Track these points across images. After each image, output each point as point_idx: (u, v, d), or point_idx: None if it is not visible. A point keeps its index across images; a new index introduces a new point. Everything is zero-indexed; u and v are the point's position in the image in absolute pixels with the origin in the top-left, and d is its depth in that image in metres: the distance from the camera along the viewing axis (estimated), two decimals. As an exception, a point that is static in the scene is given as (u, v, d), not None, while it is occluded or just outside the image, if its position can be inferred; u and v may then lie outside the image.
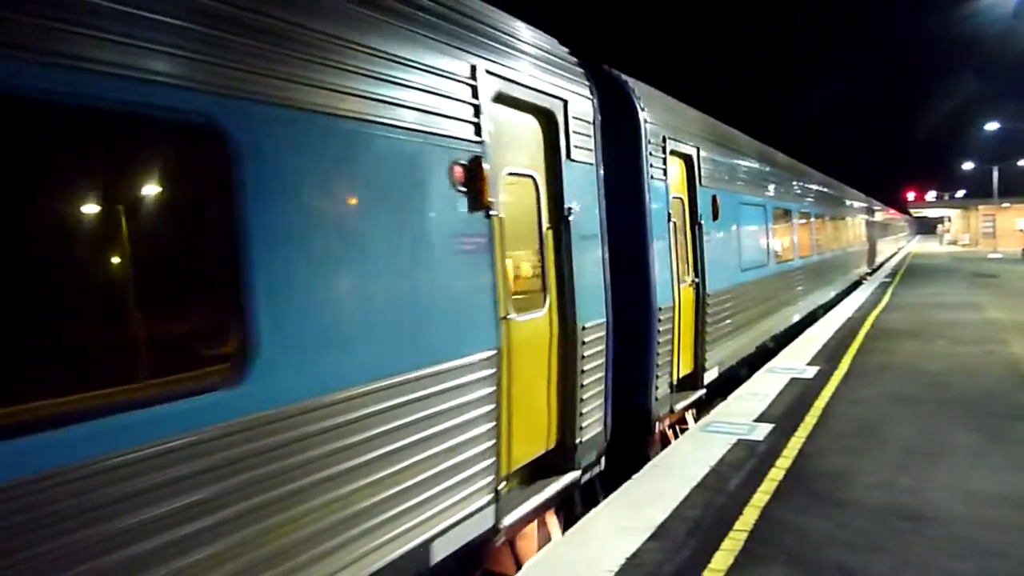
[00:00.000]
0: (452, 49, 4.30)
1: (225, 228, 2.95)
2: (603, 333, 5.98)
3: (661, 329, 7.39)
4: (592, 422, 5.86)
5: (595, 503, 5.85)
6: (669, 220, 7.78)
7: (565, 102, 5.59)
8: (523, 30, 5.30)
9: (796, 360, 11.56)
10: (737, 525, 5.16)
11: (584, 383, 5.68)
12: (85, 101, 2.50)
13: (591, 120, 6.05)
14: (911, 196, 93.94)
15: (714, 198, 9.33)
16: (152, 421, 2.61)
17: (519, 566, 5.06)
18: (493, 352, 4.50)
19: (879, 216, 42.04)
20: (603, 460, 6.17)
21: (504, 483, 4.71)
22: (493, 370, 4.49)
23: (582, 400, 5.65)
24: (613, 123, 6.70)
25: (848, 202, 26.71)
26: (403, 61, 3.87)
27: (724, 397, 9.23)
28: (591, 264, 5.89)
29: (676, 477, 6.17)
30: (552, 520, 5.63)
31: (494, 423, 4.51)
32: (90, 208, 2.77)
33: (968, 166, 77.83)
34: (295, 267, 3.19)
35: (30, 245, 2.59)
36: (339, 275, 3.45)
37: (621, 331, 6.31)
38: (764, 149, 13.81)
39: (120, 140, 2.77)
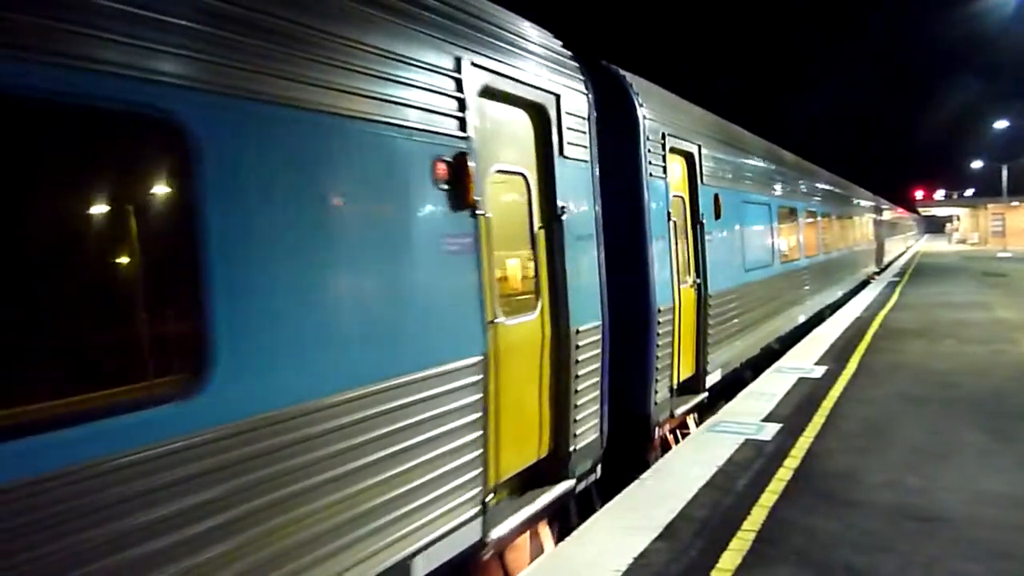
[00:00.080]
0: (434, 40, 4.11)
1: (183, 227, 2.79)
2: (599, 336, 5.79)
3: (660, 331, 7.23)
4: (587, 429, 5.66)
5: (591, 512, 5.65)
6: (669, 219, 7.64)
7: (558, 97, 5.38)
8: (513, 22, 5.09)
9: (804, 360, 11.53)
10: (745, 525, 5.15)
11: (578, 389, 5.48)
12: (24, 92, 2.32)
13: (586, 116, 5.84)
14: (919, 195, 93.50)
15: (716, 197, 9.17)
16: (97, 436, 2.42)
17: None
18: (479, 358, 4.30)
19: (887, 215, 41.87)
20: (599, 468, 5.97)
21: (492, 495, 4.52)
22: (479, 377, 4.29)
23: (576, 406, 5.45)
24: (610, 119, 6.56)
25: (855, 201, 26.60)
26: (379, 52, 3.69)
27: (727, 401, 9.07)
28: (586, 265, 5.70)
29: (683, 477, 6.17)
30: (545, 531, 5.46)
31: (480, 432, 4.32)
32: (32, 207, 2.57)
33: (977, 164, 77.57)
34: (260, 269, 3.03)
35: None
36: (309, 278, 3.27)
37: (619, 334, 6.15)
38: (769, 147, 13.71)
39: (66, 135, 2.59)
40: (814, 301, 16.17)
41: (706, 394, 8.71)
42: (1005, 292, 21.21)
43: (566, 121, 5.45)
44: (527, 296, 5.17)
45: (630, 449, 7.10)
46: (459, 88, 4.27)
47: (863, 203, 28.96)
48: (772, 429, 7.56)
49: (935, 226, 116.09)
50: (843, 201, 22.82)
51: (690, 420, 8.56)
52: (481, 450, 4.32)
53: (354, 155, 3.53)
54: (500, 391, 4.58)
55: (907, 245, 62.75)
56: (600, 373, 5.83)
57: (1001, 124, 60.09)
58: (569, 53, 5.84)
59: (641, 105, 7.21)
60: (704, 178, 8.85)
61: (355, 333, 3.50)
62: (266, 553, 2.99)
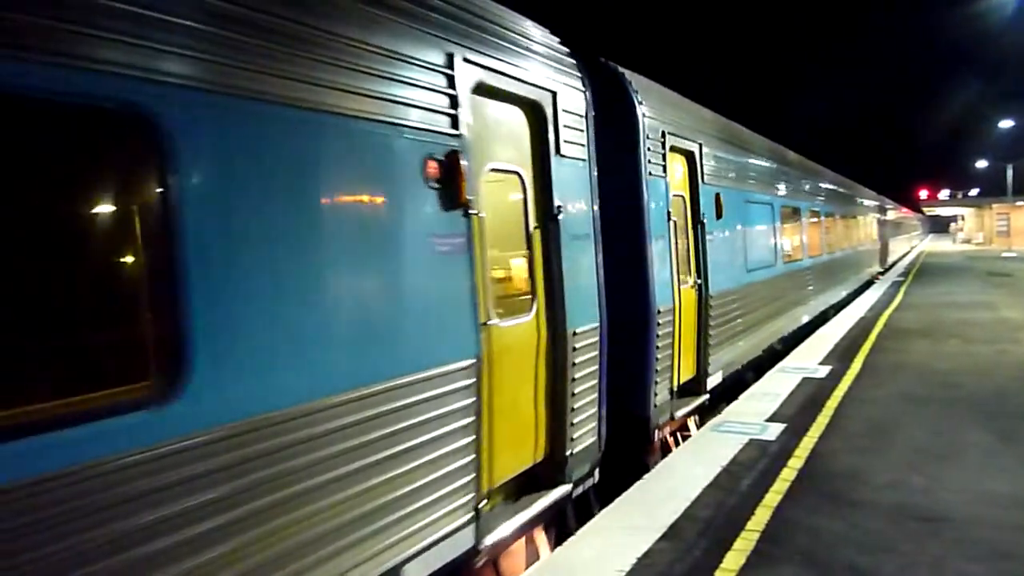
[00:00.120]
0: (425, 35, 4.01)
1: (156, 227, 2.68)
2: (596, 338, 5.68)
3: (660, 333, 7.13)
4: (585, 432, 5.56)
5: (589, 517, 5.55)
6: (669, 219, 7.54)
7: (554, 94, 5.26)
8: (508, 17, 4.97)
9: (808, 359, 11.52)
10: (749, 525, 5.16)
11: (575, 391, 5.37)
12: None
13: (583, 113, 5.72)
14: (924, 194, 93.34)
15: (717, 196, 9.04)
16: (64, 444, 2.31)
17: None
18: (472, 361, 4.20)
19: (891, 215, 41.80)
20: (597, 472, 5.88)
21: (485, 500, 4.43)
22: (472, 380, 4.19)
23: (573, 409, 5.36)
24: (609, 117, 6.48)
25: (859, 200, 26.55)
26: (368, 47, 3.59)
27: (729, 403, 8.99)
28: (583, 265, 5.59)
29: (687, 477, 6.17)
30: (541, 537, 5.37)
31: (473, 437, 4.22)
32: None
33: (982, 164, 77.38)
34: (241, 271, 2.92)
35: None
36: (292, 279, 3.16)
37: (617, 335, 6.06)
38: (772, 146, 13.64)
39: (28, 130, 2.48)
40: (817, 302, 16.14)
41: (707, 396, 8.63)
42: (1010, 292, 21.16)
43: (563, 119, 5.35)
44: (522, 297, 5.07)
45: (630, 452, 7.02)
46: (451, 85, 4.17)
47: (867, 203, 28.91)
48: (776, 429, 7.56)
49: (939, 226, 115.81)
50: (847, 201, 22.78)
51: (691, 422, 8.49)
52: (474, 455, 4.23)
53: (339, 153, 3.43)
54: (494, 394, 4.48)
55: (911, 245, 62.60)
56: (598, 375, 5.73)
57: (1006, 124, 60.04)
58: (566, 50, 5.74)
59: (640, 103, 7.12)
60: (705, 177, 8.75)
61: (342, 336, 3.40)
62: (250, 563, 2.89)
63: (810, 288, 15.34)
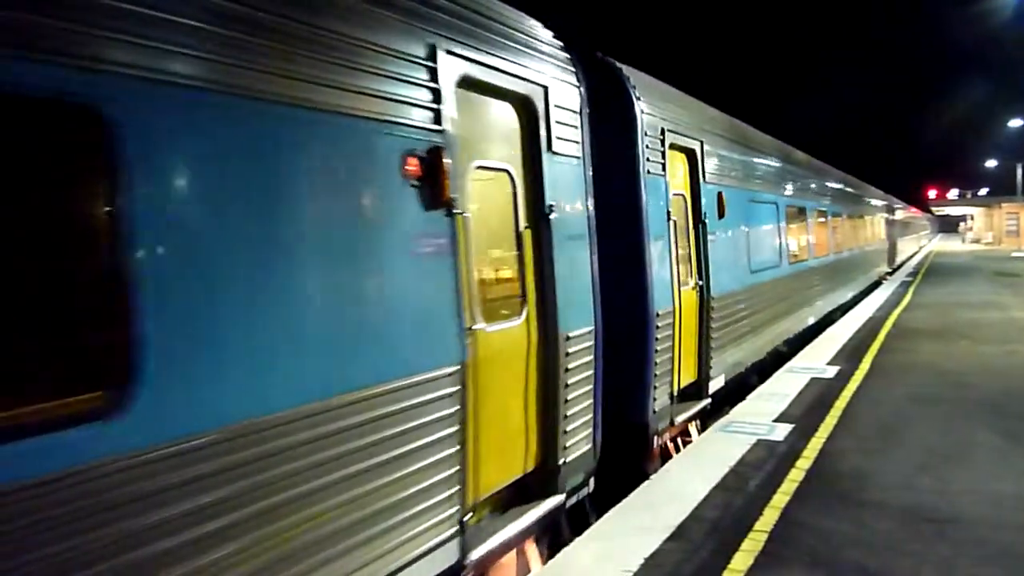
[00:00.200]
0: (405, 25, 3.80)
1: (104, 225, 2.50)
2: (591, 342, 5.46)
3: (659, 336, 6.93)
4: (578, 440, 5.34)
5: (585, 528, 5.37)
6: (668, 219, 7.36)
7: (546, 89, 5.06)
8: (496, 8, 4.75)
9: (816, 360, 11.48)
10: (757, 526, 5.14)
11: (568, 398, 5.15)
12: None
13: (577, 109, 5.50)
14: (933, 194, 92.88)
15: (719, 195, 8.81)
16: None
17: None
18: (456, 367, 3.98)
19: (900, 214, 41.61)
20: (592, 481, 5.64)
21: (471, 513, 4.22)
22: (456, 387, 3.98)
23: (566, 417, 5.14)
24: (606, 114, 6.32)
25: (867, 200, 26.43)
26: (341, 37, 3.40)
27: (732, 407, 8.83)
28: (577, 267, 5.37)
29: (694, 477, 6.16)
30: (532, 550, 5.16)
31: (458, 447, 4.00)
32: None
33: (991, 163, 76.98)
34: (199, 273, 2.72)
35: None
36: (258, 282, 2.95)
37: (615, 339, 5.87)
38: (777, 144, 13.49)
39: None
40: (824, 302, 16.04)
41: (709, 400, 8.41)
42: (1020, 292, 21.06)
43: (555, 115, 5.15)
44: (512, 301, 4.85)
45: (628, 459, 6.87)
46: (433, 78, 3.95)
47: (875, 202, 28.79)
48: (784, 429, 7.53)
49: (949, 225, 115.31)
50: (854, 200, 22.67)
51: (692, 428, 8.32)
52: (458, 466, 4.02)
53: (308, 148, 3.23)
54: (480, 402, 4.28)
55: (920, 245, 62.31)
56: (593, 381, 5.51)
57: (1015, 123, 59.57)
58: (559, 43, 5.54)
59: (639, 99, 6.92)
60: (707, 176, 8.56)
61: (313, 342, 3.19)
62: None
63: (816, 289, 15.24)
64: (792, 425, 7.69)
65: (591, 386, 5.50)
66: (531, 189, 4.97)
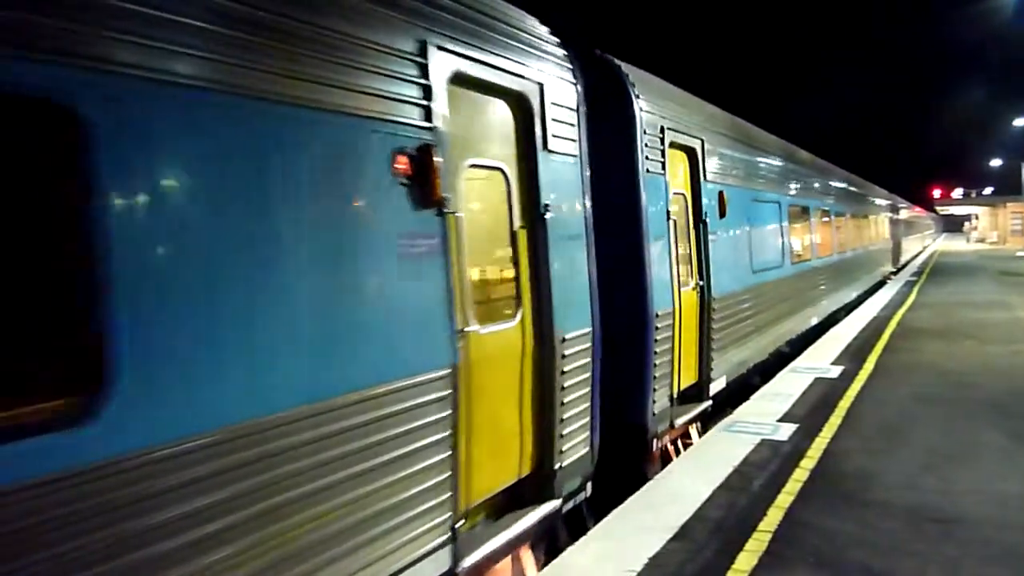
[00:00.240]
0: (394, 20, 3.72)
1: (74, 225, 2.42)
2: (588, 344, 5.36)
3: (659, 337, 6.84)
4: (575, 444, 5.23)
5: (582, 533, 5.29)
6: (668, 218, 7.28)
7: (541, 86, 4.96)
8: (490, 4, 4.68)
9: (820, 359, 11.45)
10: (761, 526, 5.13)
11: (564, 401, 5.05)
12: None
13: (574, 107, 5.40)
14: (937, 193, 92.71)
15: (721, 194, 8.71)
16: None
17: None
18: (447, 370, 3.89)
19: (904, 214, 41.52)
20: (589, 485, 5.53)
21: (463, 520, 4.13)
22: (447, 391, 3.88)
23: (562, 420, 5.03)
24: (604, 112, 6.25)
25: (871, 199, 26.37)
26: (328, 32, 3.31)
27: (733, 409, 8.74)
28: (573, 267, 5.27)
29: (698, 477, 6.14)
30: (528, 556, 5.05)
31: (449, 452, 3.90)
32: None
33: (996, 163, 76.79)
34: (177, 275, 2.64)
35: None
36: (239, 283, 2.86)
37: (613, 340, 5.78)
38: (779, 143, 13.42)
39: None
40: (828, 302, 15.97)
41: (710, 402, 8.30)
42: (1025, 291, 20.98)
43: (551, 112, 5.05)
44: (506, 302, 4.76)
45: (627, 463, 6.80)
46: (424, 74, 3.86)
47: (879, 202, 28.71)
48: (788, 429, 7.51)
49: (953, 225, 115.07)
50: (858, 199, 22.59)
51: (692, 430, 8.24)
52: (449, 472, 3.93)
53: (293, 145, 3.14)
54: (473, 406, 4.20)
55: (924, 244, 62.16)
56: (590, 383, 5.41)
57: (1020, 122, 59.29)
58: (556, 40, 5.44)
59: (637, 97, 6.82)
60: (708, 175, 8.46)
61: (297, 345, 3.09)
62: None
63: (820, 289, 15.17)
64: (796, 425, 7.67)
65: (588, 388, 5.41)
66: (526, 188, 4.88)
